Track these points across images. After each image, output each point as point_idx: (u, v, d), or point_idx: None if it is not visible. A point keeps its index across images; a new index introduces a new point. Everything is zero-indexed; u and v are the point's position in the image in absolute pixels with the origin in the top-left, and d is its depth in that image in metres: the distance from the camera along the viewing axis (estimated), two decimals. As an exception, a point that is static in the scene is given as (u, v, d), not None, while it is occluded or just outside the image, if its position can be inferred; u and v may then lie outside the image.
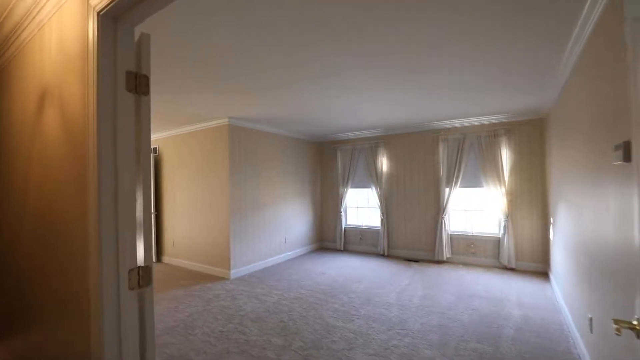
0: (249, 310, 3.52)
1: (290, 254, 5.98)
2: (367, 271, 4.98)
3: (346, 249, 6.54)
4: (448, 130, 5.42)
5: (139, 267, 1.29)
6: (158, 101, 3.88)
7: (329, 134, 6.39)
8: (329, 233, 6.83)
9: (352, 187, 6.45)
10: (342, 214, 6.51)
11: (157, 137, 6.04)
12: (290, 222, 6.06)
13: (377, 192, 6.01)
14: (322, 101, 3.99)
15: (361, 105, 4.21)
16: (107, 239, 1.20)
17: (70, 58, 1.37)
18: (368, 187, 6.24)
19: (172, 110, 4.28)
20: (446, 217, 5.38)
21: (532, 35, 2.35)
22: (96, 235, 1.19)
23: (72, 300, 1.38)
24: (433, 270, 4.97)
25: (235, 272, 4.83)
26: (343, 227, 6.53)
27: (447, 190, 5.38)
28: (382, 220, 5.98)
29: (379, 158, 6.04)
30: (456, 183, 5.28)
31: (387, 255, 5.95)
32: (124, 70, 1.27)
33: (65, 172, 1.42)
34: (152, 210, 5.92)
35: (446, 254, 5.37)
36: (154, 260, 5.87)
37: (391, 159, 6.00)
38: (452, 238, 5.44)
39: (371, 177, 6.09)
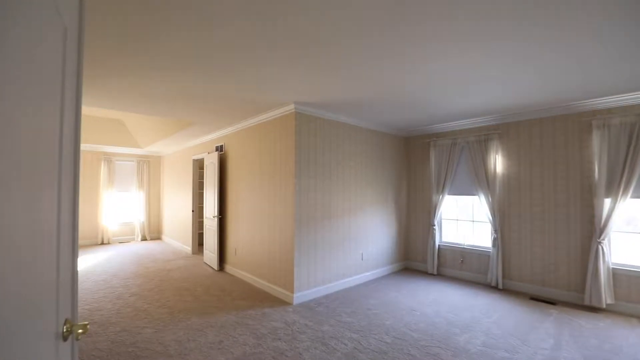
0: (311, 365, 2.50)
1: (368, 275, 4.82)
2: (477, 313, 3.53)
3: (440, 274, 5.09)
4: (608, 111, 3.63)
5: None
6: (215, 85, 3.19)
7: (421, 125, 5.05)
8: (417, 251, 5.46)
9: (450, 194, 4.98)
10: (436, 227, 5.09)
11: (223, 133, 5.54)
12: (369, 235, 4.91)
13: (488, 202, 4.46)
14: (424, 74, 2.80)
15: (479, 76, 2.86)
16: None
17: None
18: (473, 194, 4.71)
19: (232, 96, 3.56)
20: (605, 242, 3.58)
21: None
22: None
23: None
24: (587, 323, 3.25)
25: (299, 296, 3.88)
26: (437, 245, 5.10)
27: (607, 202, 3.58)
28: (494, 239, 4.40)
29: (491, 155, 4.47)
30: (625, 191, 3.46)
31: (501, 288, 4.33)
32: None
33: None
34: (215, 214, 5.44)
35: (606, 298, 3.56)
36: (216, 268, 5.38)
37: (510, 156, 4.39)
38: (616, 275, 3.58)
39: (479, 180, 4.57)
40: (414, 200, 5.55)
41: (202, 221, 7.03)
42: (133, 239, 8.65)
